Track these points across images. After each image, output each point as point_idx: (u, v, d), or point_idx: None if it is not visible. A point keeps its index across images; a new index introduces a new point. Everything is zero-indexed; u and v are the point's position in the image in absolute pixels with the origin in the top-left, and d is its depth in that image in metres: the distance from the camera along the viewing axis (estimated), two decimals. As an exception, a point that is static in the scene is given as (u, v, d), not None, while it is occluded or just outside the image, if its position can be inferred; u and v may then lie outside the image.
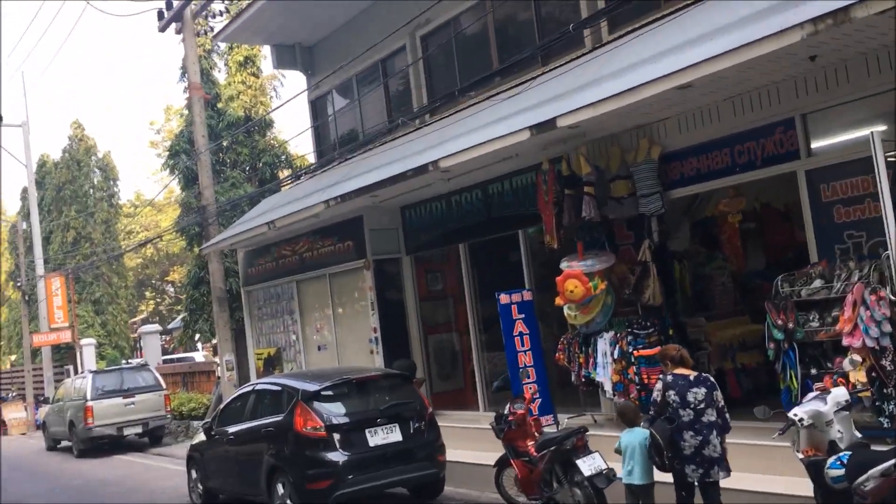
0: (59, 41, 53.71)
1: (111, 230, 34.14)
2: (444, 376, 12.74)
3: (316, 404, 8.75)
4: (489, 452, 10.10)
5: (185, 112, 47.27)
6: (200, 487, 10.66)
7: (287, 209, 13.31)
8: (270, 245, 14.82)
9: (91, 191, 33.96)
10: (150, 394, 19.16)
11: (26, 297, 31.37)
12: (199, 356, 35.97)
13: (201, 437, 10.89)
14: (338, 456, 8.50)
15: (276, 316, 15.08)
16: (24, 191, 38.18)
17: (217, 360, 22.51)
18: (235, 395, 10.46)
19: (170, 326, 28.16)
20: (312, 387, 8.91)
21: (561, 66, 10.04)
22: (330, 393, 8.90)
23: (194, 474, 10.86)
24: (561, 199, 9.14)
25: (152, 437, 19.46)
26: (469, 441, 10.39)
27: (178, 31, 16.82)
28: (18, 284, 31.71)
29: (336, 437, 8.56)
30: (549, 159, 9.42)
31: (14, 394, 33.41)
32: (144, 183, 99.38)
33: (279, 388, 9.40)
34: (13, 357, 44.37)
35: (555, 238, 9.24)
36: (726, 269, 9.86)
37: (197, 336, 21.50)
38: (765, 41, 6.17)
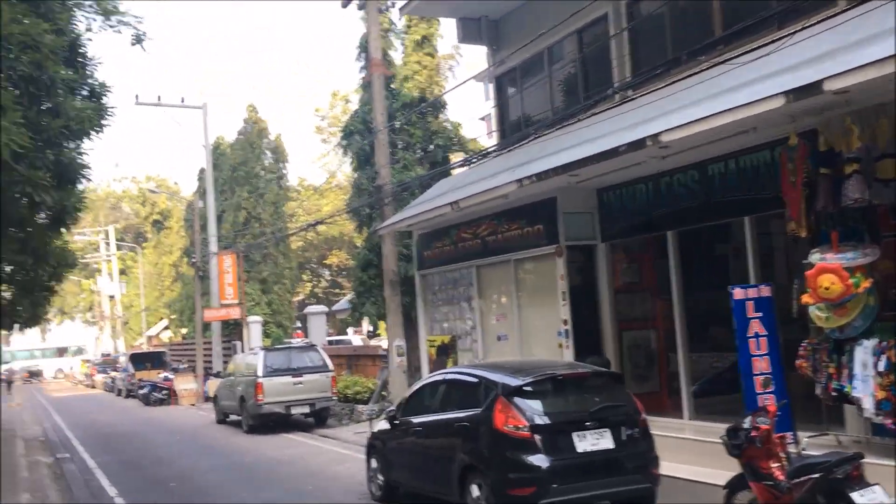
0: (237, 24, 56.12)
1: (279, 211, 34.94)
2: (639, 377, 11.54)
3: (518, 400, 7.86)
4: (699, 468, 8.94)
5: (355, 94, 48.30)
6: (381, 478, 10.04)
7: (472, 189, 12.54)
8: (450, 227, 14.13)
9: (262, 172, 34.87)
10: (318, 374, 19.07)
11: (200, 273, 32.61)
12: (357, 340, 36.39)
13: (383, 425, 10.28)
14: (542, 460, 7.57)
15: (452, 302, 14.38)
16: (201, 171, 39.87)
17: (382, 344, 22.29)
18: (422, 383, 9.76)
19: (334, 308, 28.42)
20: (514, 381, 8.01)
21: (808, 27, 8.60)
22: (533, 389, 7.97)
23: (374, 464, 10.26)
24: (814, 180, 7.75)
25: (318, 418, 19.40)
26: (672, 452, 9.18)
27: (361, 7, 16.46)
28: (193, 261, 32.98)
29: (540, 438, 7.64)
30: (796, 133, 8.04)
31: (185, 366, 34.95)
32: (308, 168, 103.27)
33: (475, 380, 8.57)
34: (184, 330, 46.70)
35: (802, 225, 7.86)
36: None
37: (365, 319, 21.26)
38: None
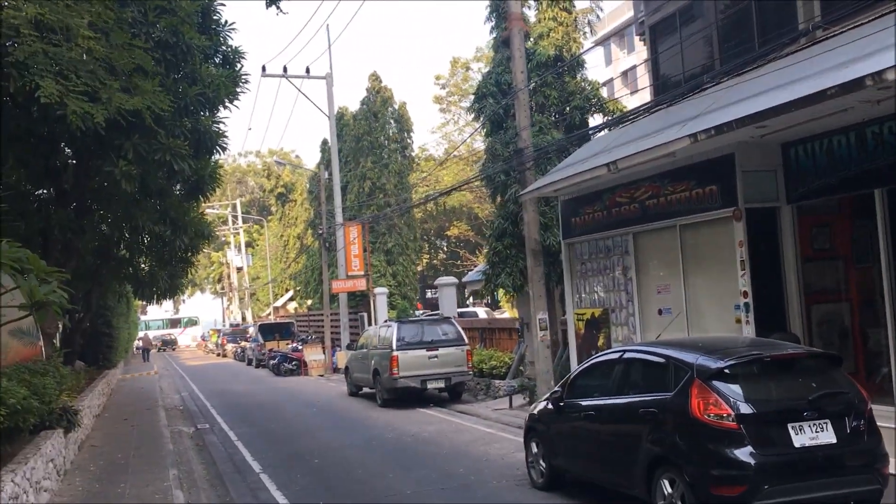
0: None
1: (403, 182, 34.50)
2: (831, 357, 10.12)
3: (718, 384, 6.75)
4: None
5: (475, 62, 47.29)
6: (543, 465, 9.16)
7: (630, 148, 11.35)
8: (602, 191, 12.99)
9: (386, 142, 34.47)
10: (453, 348, 18.41)
11: (326, 245, 32.66)
12: (481, 312, 35.65)
13: (544, 406, 9.38)
14: (753, 455, 6.46)
15: (604, 272, 13.28)
16: (324, 143, 40.00)
17: (516, 317, 21.41)
18: (592, 362, 8.75)
19: (464, 280, 27.71)
20: (713, 362, 6.90)
21: None
22: (737, 372, 6.83)
23: (535, 448, 9.37)
24: None
25: (452, 393, 18.78)
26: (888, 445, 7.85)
27: (498, -43, 15.37)
28: (320, 232, 33.05)
29: (749, 430, 6.52)
30: None
31: (312, 336, 35.26)
32: (427, 137, 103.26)
33: (661, 360, 7.50)
34: (309, 301, 47.40)
35: None
36: None
37: (500, 291, 20.40)
38: None
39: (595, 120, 20.64)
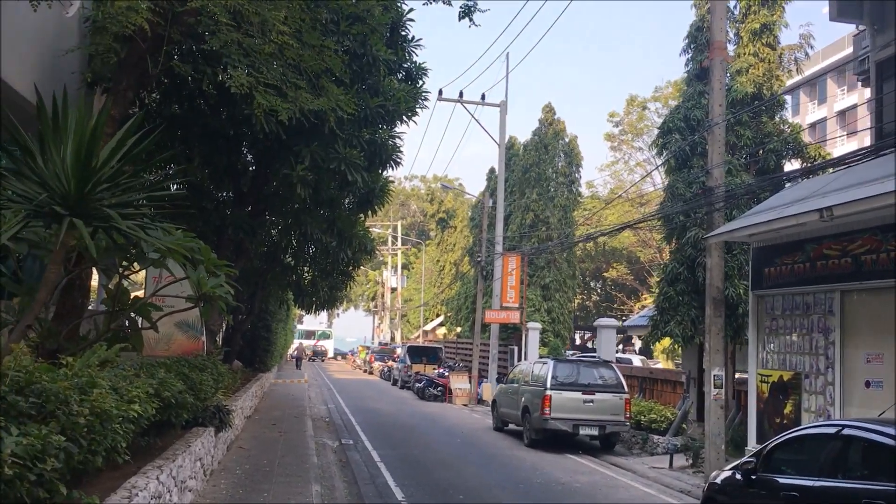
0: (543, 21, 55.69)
1: (568, 216, 33.50)
2: None
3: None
4: None
5: (653, 101, 45.80)
6: (724, 546, 7.96)
7: (848, 194, 9.97)
8: (805, 241, 11.58)
9: (554, 175, 33.67)
10: (611, 395, 17.23)
11: (483, 273, 32.16)
12: (636, 360, 33.92)
13: (727, 475, 8.19)
14: None
15: (799, 331, 11.80)
16: (491, 171, 39.77)
17: (681, 369, 19.90)
18: (799, 433, 7.49)
19: (626, 324, 26.30)
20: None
21: None
22: None
23: (713, 523, 8.20)
24: None
25: (605, 443, 17.58)
26: None
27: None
28: (478, 259, 32.63)
29: None
30: None
31: (460, 364, 34.77)
32: (594, 174, 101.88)
33: (891, 442, 6.22)
34: (458, 329, 47.11)
35: None
36: None
37: (666, 340, 19.02)
38: None
39: (792, 166, 18.96)
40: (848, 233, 10.70)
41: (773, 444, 7.67)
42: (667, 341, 21.32)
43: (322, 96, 10.07)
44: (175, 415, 7.89)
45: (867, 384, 10.36)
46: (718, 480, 8.38)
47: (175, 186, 14.11)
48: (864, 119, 17.94)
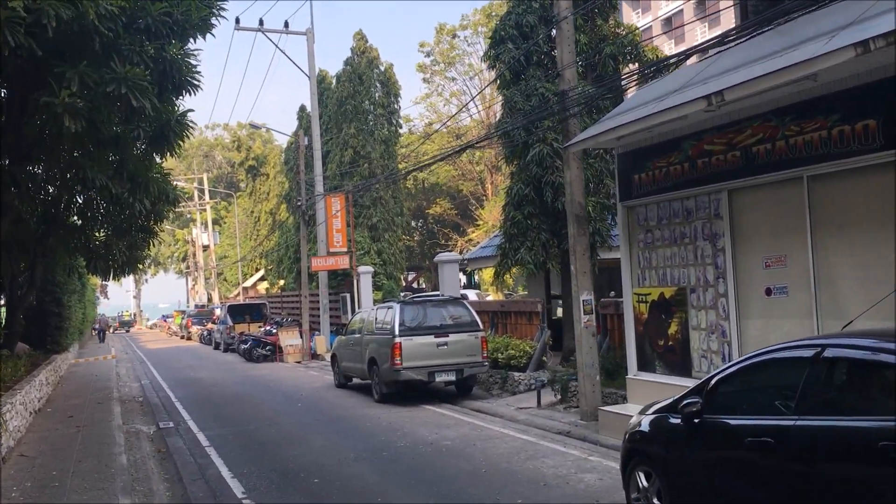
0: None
1: (390, 150, 31.44)
2: None
3: None
4: None
5: (461, 30, 44.21)
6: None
7: (736, 76, 8.56)
8: (682, 138, 10.22)
9: (371, 107, 31.37)
10: (466, 334, 15.59)
11: (305, 218, 29.59)
12: (471, 294, 32.80)
13: (653, 419, 6.62)
14: None
15: (681, 241, 10.52)
16: (302, 109, 36.77)
17: (536, 298, 18.66)
18: (757, 359, 5.91)
19: (466, 256, 24.70)
20: None
21: None
22: None
23: (643, 481, 6.62)
24: None
25: (462, 387, 16.02)
26: None
27: None
28: (298, 204, 29.98)
29: None
30: None
31: (289, 319, 32.25)
32: (411, 108, 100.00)
33: (889, 361, 4.76)
34: (282, 282, 44.26)
35: None
36: None
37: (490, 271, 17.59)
38: None
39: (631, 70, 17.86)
40: (733, 123, 9.39)
41: (721, 376, 6.09)
42: (489, 273, 19.91)
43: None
44: None
45: (768, 291, 9.19)
46: (644, 427, 6.77)
47: None
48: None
